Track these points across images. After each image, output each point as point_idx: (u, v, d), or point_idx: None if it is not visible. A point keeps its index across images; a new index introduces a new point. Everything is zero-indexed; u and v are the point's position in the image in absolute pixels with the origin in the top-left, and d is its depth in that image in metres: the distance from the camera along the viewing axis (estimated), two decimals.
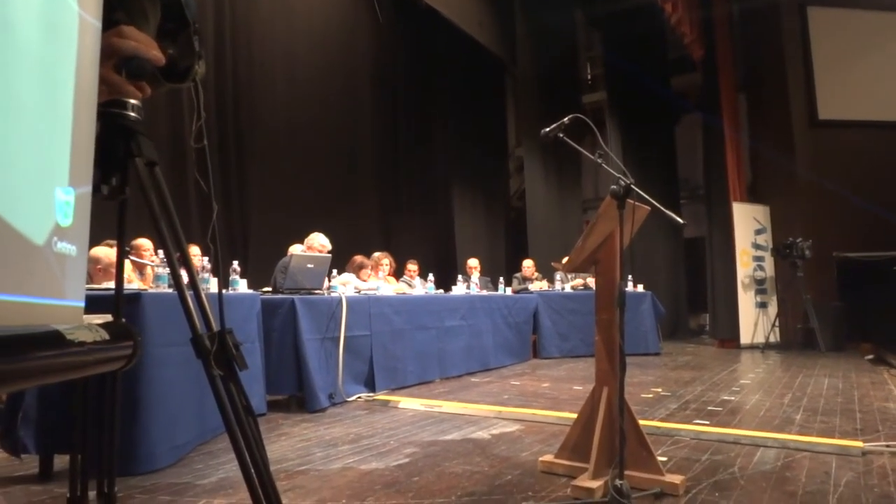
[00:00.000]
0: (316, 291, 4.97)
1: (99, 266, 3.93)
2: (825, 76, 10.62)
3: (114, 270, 3.93)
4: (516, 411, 4.35)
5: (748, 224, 9.67)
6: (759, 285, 9.62)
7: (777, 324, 9.39)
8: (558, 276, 8.45)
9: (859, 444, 3.32)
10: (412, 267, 7.56)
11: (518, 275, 8.83)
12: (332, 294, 5.07)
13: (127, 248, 3.41)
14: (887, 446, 3.31)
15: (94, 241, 4.06)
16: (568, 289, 8.46)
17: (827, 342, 8.63)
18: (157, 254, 4.55)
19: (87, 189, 1.02)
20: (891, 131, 10.28)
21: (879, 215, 9.65)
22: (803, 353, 8.52)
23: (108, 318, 1.33)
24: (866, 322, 9.20)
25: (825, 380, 5.88)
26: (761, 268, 9.68)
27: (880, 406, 4.55)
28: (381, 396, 5.01)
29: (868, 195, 9.70)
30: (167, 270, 3.43)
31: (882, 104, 10.49)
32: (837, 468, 2.96)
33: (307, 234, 5.75)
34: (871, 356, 8.04)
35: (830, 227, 9.79)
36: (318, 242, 5.60)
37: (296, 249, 5.66)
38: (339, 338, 4.83)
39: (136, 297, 2.97)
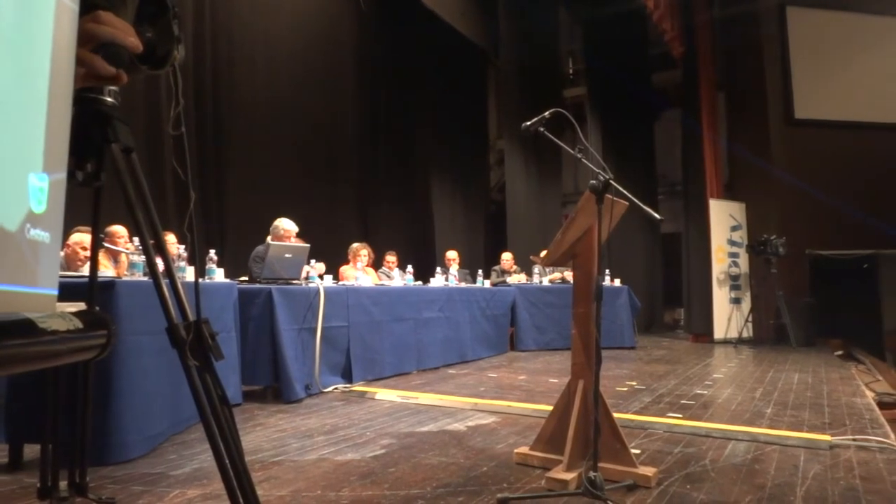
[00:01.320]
0: (293, 281, 4.94)
1: (67, 242, 3.93)
2: (802, 76, 10.77)
3: (82, 252, 3.89)
4: (492, 403, 4.38)
5: (724, 221, 9.79)
6: (734, 281, 9.75)
7: (750, 319, 9.54)
8: (536, 269, 8.49)
9: (827, 437, 3.40)
10: (391, 258, 7.55)
11: (497, 267, 8.85)
12: (310, 284, 5.05)
13: (101, 235, 3.37)
14: (854, 440, 3.38)
15: (68, 227, 4.02)
16: (546, 282, 8.50)
17: (798, 338, 8.78)
18: (131, 241, 4.50)
19: (62, 175, 1.00)
20: (865, 132, 10.47)
21: (852, 214, 9.84)
22: (775, 348, 8.66)
23: (82, 306, 1.31)
24: (836, 318, 9.39)
25: (795, 375, 5.98)
26: (736, 264, 9.81)
27: (848, 401, 4.65)
28: (357, 387, 5.01)
29: (841, 194, 9.88)
30: (142, 258, 3.39)
31: (857, 105, 10.67)
32: (805, 461, 3.02)
33: (274, 222, 5.64)
34: (840, 352, 8.21)
35: (804, 225, 9.96)
36: (284, 228, 5.50)
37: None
38: (316, 328, 4.81)
39: (111, 284, 2.92)
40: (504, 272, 8.75)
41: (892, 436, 3.52)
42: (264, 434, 3.51)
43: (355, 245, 6.76)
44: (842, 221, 9.96)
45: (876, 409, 4.40)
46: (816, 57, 10.80)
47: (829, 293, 9.64)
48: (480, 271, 8.11)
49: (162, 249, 1.26)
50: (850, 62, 10.75)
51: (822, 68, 10.78)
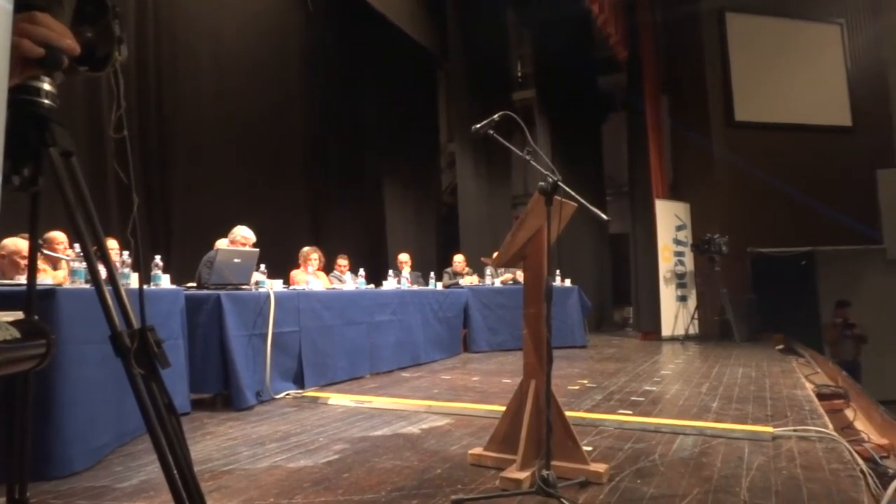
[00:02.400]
0: (243, 287, 4.86)
1: (2, 253, 3.77)
2: (741, 80, 11.15)
3: (21, 261, 3.76)
4: (446, 405, 4.38)
5: (669, 220, 10.03)
6: (680, 279, 10.00)
7: (696, 316, 9.80)
8: (488, 270, 8.54)
9: (770, 429, 3.51)
10: (342, 262, 7.49)
11: (449, 269, 8.87)
12: (260, 289, 4.97)
13: (40, 242, 3.25)
14: (795, 431, 3.51)
15: (5, 234, 3.87)
16: (498, 283, 8.56)
17: (741, 333, 9.06)
18: (71, 247, 4.35)
19: None
20: (801, 134, 10.90)
21: (790, 213, 10.22)
22: (720, 344, 8.90)
23: (20, 315, 1.27)
24: (777, 314, 9.74)
25: (739, 369, 6.17)
26: (682, 263, 10.06)
27: (789, 393, 4.82)
28: (310, 393, 4.95)
29: (780, 194, 10.26)
30: (84, 265, 3.29)
31: (793, 108, 11.09)
32: (750, 453, 3.12)
33: (233, 228, 5.60)
34: (781, 346, 8.51)
35: (745, 224, 10.30)
36: (241, 235, 5.44)
37: (222, 244, 5.52)
38: (266, 334, 4.74)
39: (51, 292, 2.83)
40: (456, 274, 8.77)
41: (831, 426, 3.67)
42: (214, 443, 3.44)
43: (306, 249, 6.69)
44: (780, 220, 10.35)
45: (815, 400, 4.58)
46: (755, 61, 11.20)
47: (771, 289, 9.99)
48: (433, 273, 8.12)
49: (104, 256, 1.22)
50: (786, 66, 11.18)
51: (761, 72, 11.18)
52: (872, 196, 10.50)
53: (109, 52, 1.22)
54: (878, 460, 3.67)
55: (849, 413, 4.91)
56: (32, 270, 1.40)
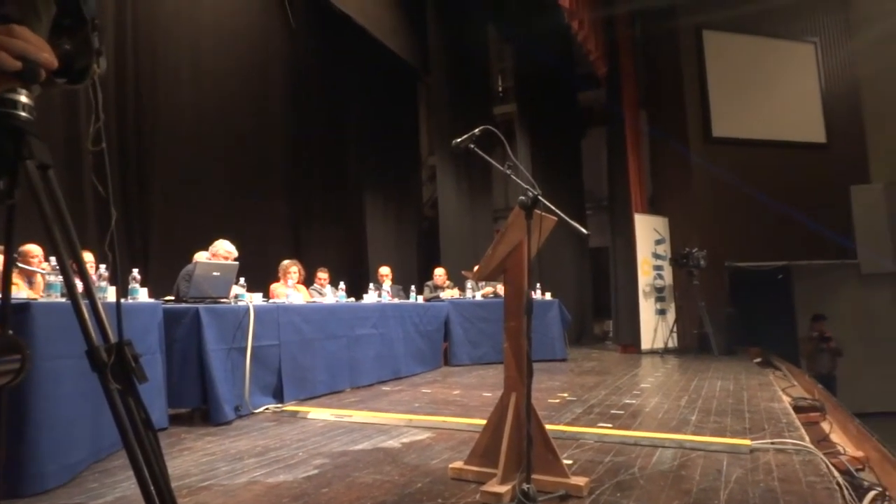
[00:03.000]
0: (222, 300, 4.82)
1: None
2: (719, 96, 11.34)
3: None
4: (427, 419, 4.37)
5: (649, 234, 10.11)
6: (659, 293, 10.07)
7: (675, 330, 9.87)
8: (469, 284, 8.55)
9: (747, 442, 3.54)
10: (322, 275, 7.46)
11: (430, 283, 8.87)
12: (240, 303, 4.93)
13: (14, 255, 3.20)
14: (772, 443, 3.54)
15: None
16: (478, 297, 8.56)
17: (720, 346, 9.14)
18: (46, 261, 4.30)
19: None
20: (777, 150, 11.10)
21: (766, 228, 10.37)
22: (699, 357, 8.96)
23: None
24: (755, 327, 9.85)
25: (718, 382, 6.22)
26: (661, 276, 10.14)
27: (766, 406, 4.86)
28: (289, 407, 4.91)
29: (757, 208, 10.41)
30: (59, 279, 3.25)
31: (769, 124, 11.29)
32: (728, 465, 3.14)
33: (213, 242, 5.56)
34: (758, 359, 8.59)
35: (723, 239, 10.41)
36: (224, 249, 5.42)
37: (201, 257, 5.47)
38: (246, 348, 4.70)
39: (26, 306, 2.79)
40: (437, 287, 8.77)
41: (807, 438, 3.71)
42: (192, 458, 3.40)
43: (285, 262, 6.65)
44: (757, 234, 10.50)
45: (792, 413, 4.62)
46: (731, 78, 11.40)
47: (748, 303, 10.10)
48: (413, 287, 8.11)
49: (81, 269, 1.21)
50: (762, 83, 11.40)
51: (737, 89, 11.38)
52: (847, 211, 10.70)
53: (88, 65, 1.21)
54: (854, 473, 3.71)
55: (825, 426, 4.97)
56: (7, 284, 1.39)
